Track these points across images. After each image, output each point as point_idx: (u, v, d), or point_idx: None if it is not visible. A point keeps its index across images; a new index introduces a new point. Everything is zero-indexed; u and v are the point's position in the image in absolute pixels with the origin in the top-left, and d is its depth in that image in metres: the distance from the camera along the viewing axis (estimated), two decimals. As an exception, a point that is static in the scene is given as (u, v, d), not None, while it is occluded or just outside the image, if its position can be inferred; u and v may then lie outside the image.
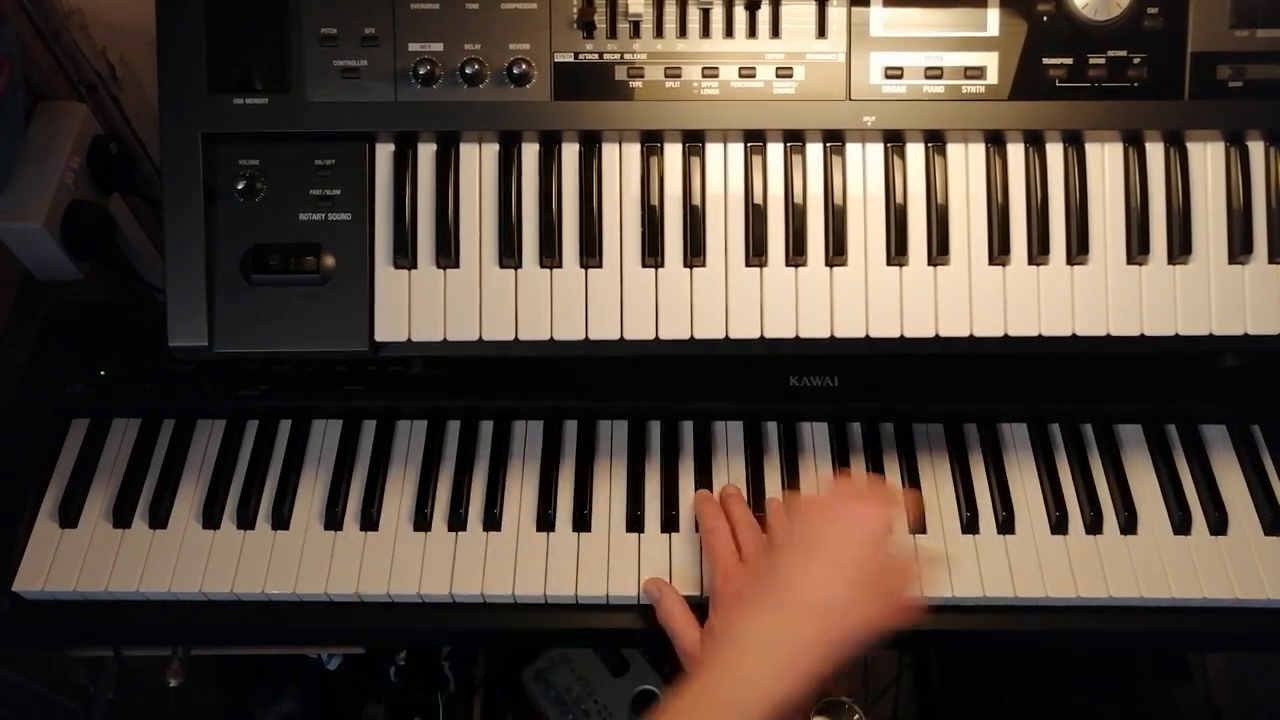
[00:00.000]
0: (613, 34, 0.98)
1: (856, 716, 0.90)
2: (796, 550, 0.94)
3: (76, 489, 1.12)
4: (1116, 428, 1.16)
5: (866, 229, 1.00)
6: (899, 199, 1.00)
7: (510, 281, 1.00)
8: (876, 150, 1.01)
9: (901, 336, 1.00)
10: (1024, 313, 1.00)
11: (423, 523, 1.10)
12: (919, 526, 1.09)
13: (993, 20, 0.98)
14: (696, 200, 1.00)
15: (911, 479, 1.12)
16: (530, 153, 1.01)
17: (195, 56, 0.97)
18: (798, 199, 1.00)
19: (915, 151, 1.01)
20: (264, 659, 1.65)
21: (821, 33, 0.98)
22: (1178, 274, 1.01)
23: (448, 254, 0.99)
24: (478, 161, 1.01)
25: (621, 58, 0.98)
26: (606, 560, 1.07)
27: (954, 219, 1.00)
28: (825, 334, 1.00)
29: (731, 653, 0.88)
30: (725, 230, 1.00)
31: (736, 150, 1.01)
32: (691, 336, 1.00)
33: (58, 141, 1.21)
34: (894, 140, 1.00)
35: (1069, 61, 0.98)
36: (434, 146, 1.00)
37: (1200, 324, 1.00)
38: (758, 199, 1.00)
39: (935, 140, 1.00)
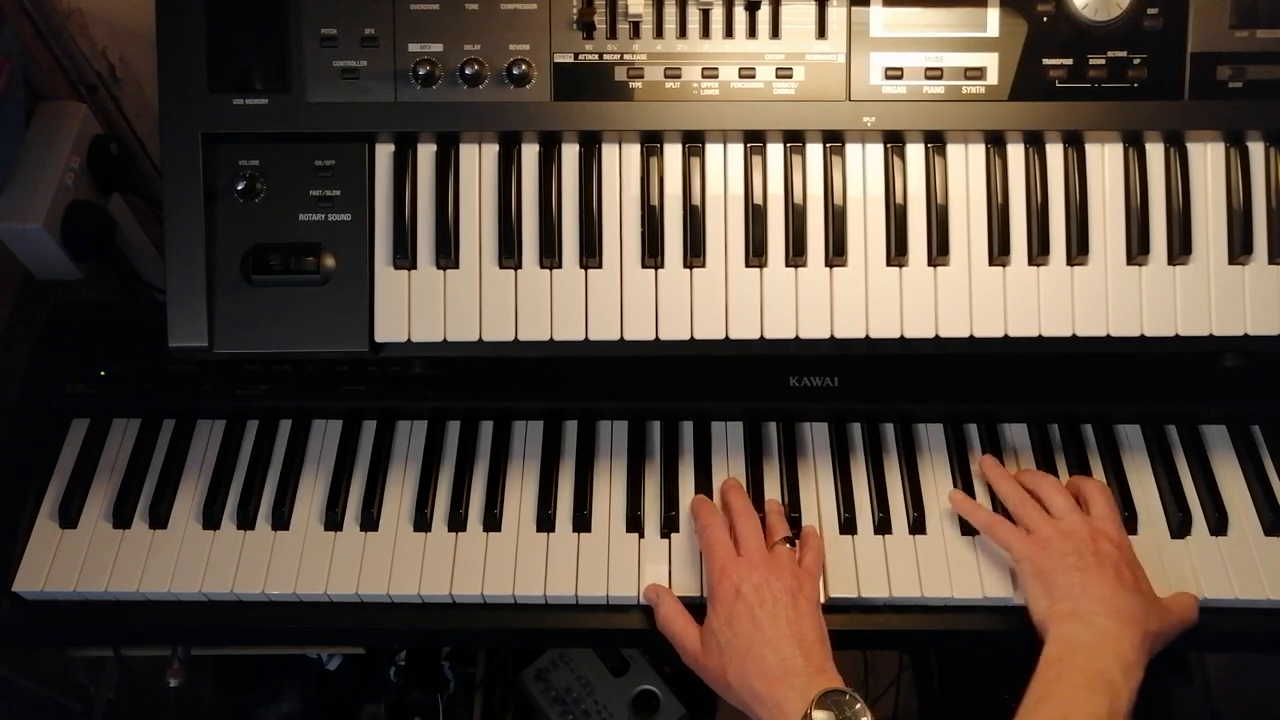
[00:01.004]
0: (612, 34, 0.98)
1: (859, 706, 0.89)
2: (1073, 567, 0.99)
3: (76, 489, 1.12)
4: (1116, 428, 1.16)
5: (866, 229, 1.00)
6: (899, 199, 1.00)
7: (510, 282, 1.00)
8: (876, 151, 1.01)
9: (901, 337, 1.00)
10: (1024, 313, 1.00)
11: (423, 523, 1.10)
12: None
13: (993, 21, 0.98)
14: (696, 201, 1.00)
15: (911, 479, 1.12)
16: (530, 153, 1.01)
17: (195, 56, 0.97)
18: (798, 199, 1.00)
19: (915, 152, 1.01)
20: (264, 659, 1.65)
21: (821, 33, 0.98)
22: (1178, 274, 1.01)
23: (448, 254, 0.99)
24: (477, 162, 1.01)
25: (621, 58, 0.98)
26: (606, 561, 1.07)
27: (954, 219, 1.00)
28: (825, 334, 1.00)
29: (1070, 662, 0.93)
30: (725, 231, 1.00)
31: (736, 151, 1.01)
32: (691, 337, 1.00)
33: (58, 141, 1.21)
34: (894, 141, 1.00)
35: (1069, 62, 0.98)
36: (434, 147, 1.00)
37: (1200, 324, 1.00)
38: (758, 199, 1.00)
39: (935, 141, 1.00)
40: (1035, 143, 1.01)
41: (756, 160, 1.00)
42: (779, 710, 0.92)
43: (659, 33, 0.98)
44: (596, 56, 0.98)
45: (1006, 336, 1.00)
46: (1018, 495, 1.07)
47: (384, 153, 1.00)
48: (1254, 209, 1.00)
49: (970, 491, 1.11)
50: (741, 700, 0.96)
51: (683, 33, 0.98)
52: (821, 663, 0.95)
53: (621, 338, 1.00)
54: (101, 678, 1.44)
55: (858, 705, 0.89)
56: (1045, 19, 0.98)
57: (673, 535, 1.09)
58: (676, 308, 1.00)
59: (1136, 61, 0.98)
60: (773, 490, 1.12)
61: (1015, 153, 1.01)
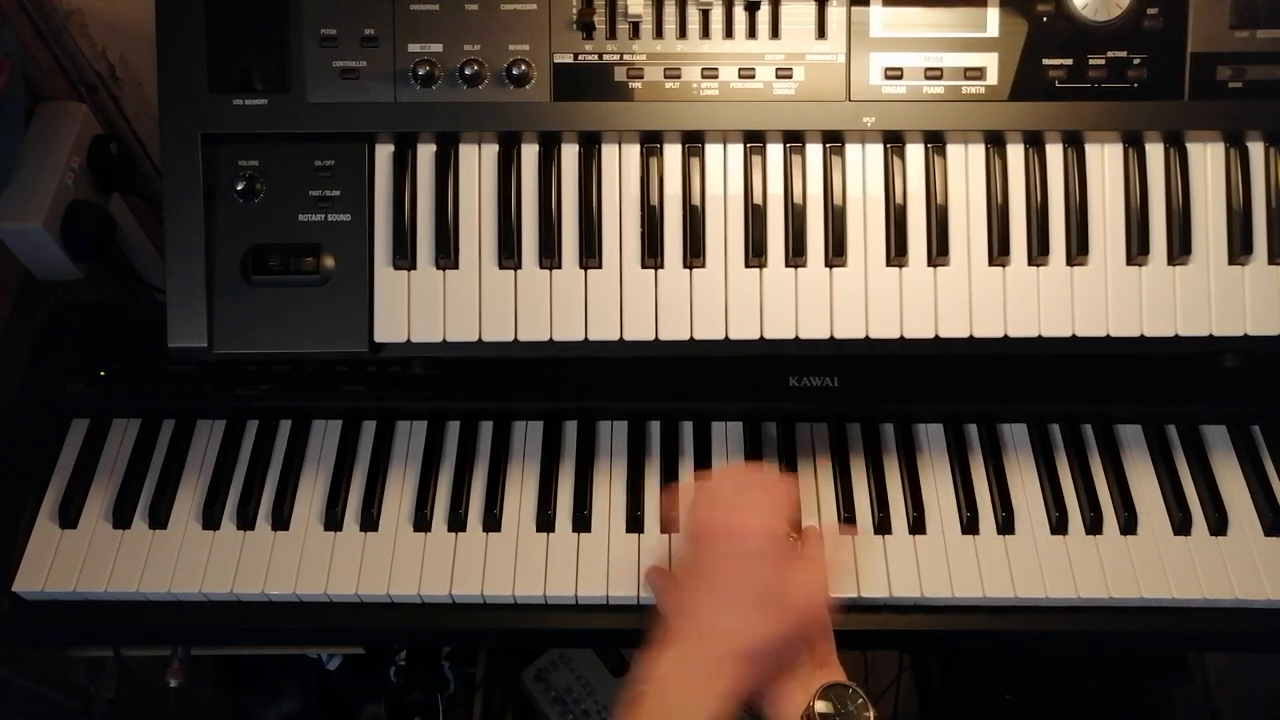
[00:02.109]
0: (612, 35, 0.98)
1: (861, 701, 0.90)
2: (693, 574, 0.95)
3: (76, 489, 1.12)
4: (1116, 428, 1.16)
5: (866, 230, 1.00)
6: (899, 200, 1.00)
7: (510, 282, 1.00)
8: (876, 151, 1.01)
9: (901, 337, 1.00)
10: (1024, 313, 1.00)
11: (422, 523, 1.10)
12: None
13: (993, 21, 0.98)
14: (696, 201, 1.00)
15: (911, 479, 1.12)
16: (530, 153, 1.01)
17: (195, 56, 0.97)
18: (797, 199, 1.00)
19: (915, 152, 1.01)
20: (264, 659, 1.65)
21: (821, 33, 0.98)
22: (1177, 274, 1.01)
23: (447, 255, 0.99)
24: (477, 162, 1.01)
25: (621, 58, 0.98)
26: (606, 561, 1.07)
27: (954, 220, 1.00)
28: (825, 334, 1.00)
29: (651, 689, 0.89)
30: (725, 231, 1.00)
31: (736, 151, 1.01)
32: (691, 337, 1.00)
33: (58, 141, 1.21)
34: (894, 141, 1.00)
35: (1069, 62, 0.98)
36: (433, 147, 1.00)
37: (1200, 324, 1.00)
38: (757, 199, 1.00)
39: (935, 141, 1.00)
40: (1035, 143, 1.01)
41: (756, 160, 1.00)
42: (782, 699, 0.92)
43: (659, 33, 0.98)
44: (596, 57, 0.98)
45: (1006, 337, 1.00)
46: None
47: (384, 153, 1.00)
48: (1254, 209, 1.00)
49: (970, 490, 1.11)
50: None
51: (682, 33, 0.98)
52: (825, 656, 0.95)
53: (621, 338, 1.00)
54: (101, 678, 1.44)
55: (860, 700, 0.90)
56: (1045, 19, 0.98)
57: (673, 535, 1.09)
58: (676, 308, 0.99)
59: (1136, 61, 0.98)
60: (773, 490, 1.12)
61: (1015, 153, 1.01)
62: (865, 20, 0.98)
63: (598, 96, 0.98)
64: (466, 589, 1.06)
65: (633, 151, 1.00)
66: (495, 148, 1.01)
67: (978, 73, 0.98)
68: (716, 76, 0.98)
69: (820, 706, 0.89)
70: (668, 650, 0.90)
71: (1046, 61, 0.98)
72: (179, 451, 1.15)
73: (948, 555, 1.08)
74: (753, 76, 0.98)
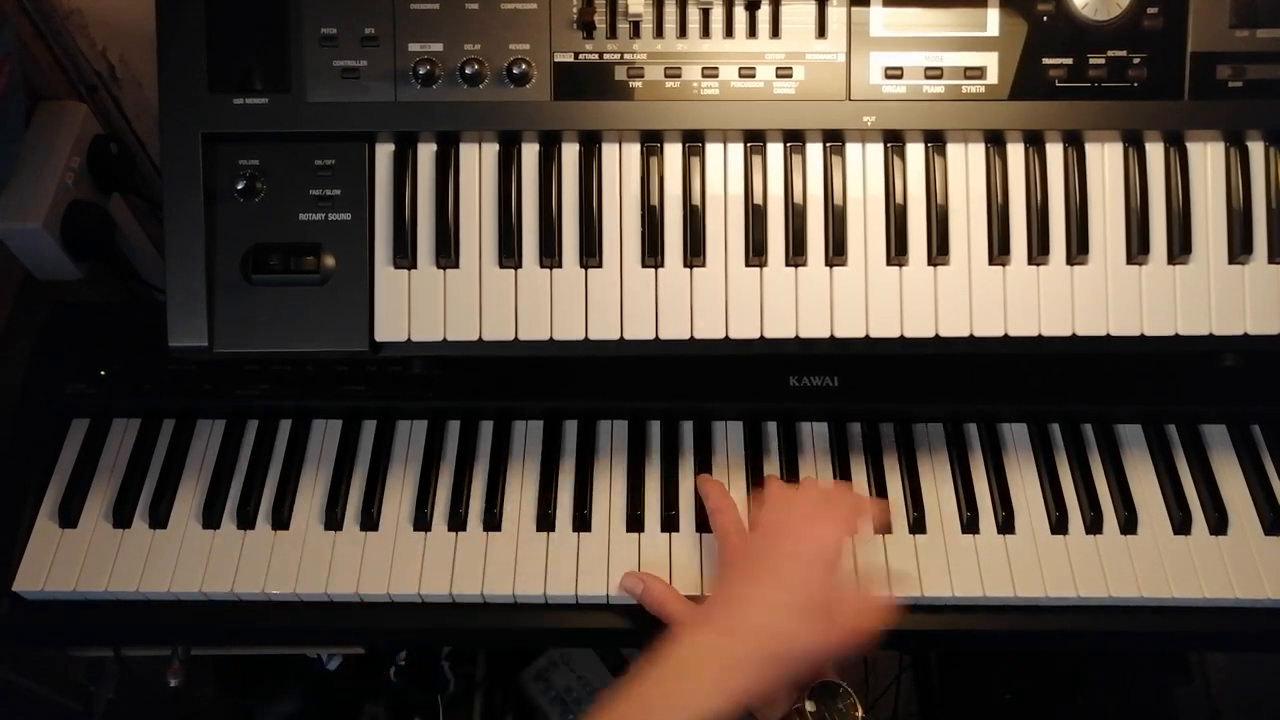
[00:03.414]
0: (612, 34, 0.98)
1: (850, 700, 0.90)
2: (750, 567, 0.95)
3: (76, 489, 1.12)
4: (1116, 428, 1.16)
5: (866, 229, 1.00)
6: (899, 199, 1.00)
7: (510, 281, 1.00)
8: (876, 150, 1.01)
9: (901, 336, 1.00)
10: (1024, 313, 1.00)
11: (423, 523, 1.10)
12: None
13: (993, 20, 0.98)
14: (696, 200, 1.00)
15: (911, 479, 1.12)
16: (530, 153, 1.01)
17: (195, 56, 0.97)
18: (798, 199, 1.00)
19: (915, 151, 1.01)
20: (264, 659, 1.65)
21: (821, 33, 0.98)
22: (1178, 274, 1.01)
23: (448, 254, 0.99)
24: (478, 161, 1.01)
25: (621, 58, 0.98)
26: (606, 560, 1.07)
27: (954, 219, 1.00)
28: (825, 334, 1.00)
29: (668, 665, 0.89)
30: (725, 230, 1.00)
31: (736, 150, 1.01)
32: (691, 337, 1.00)
33: (58, 141, 1.21)
34: (894, 140, 1.00)
35: (1069, 61, 0.98)
36: (434, 146, 1.00)
37: (1200, 324, 1.00)
38: (758, 199, 1.00)
39: (935, 140, 1.00)
40: (1035, 142, 1.01)
41: (756, 160, 1.00)
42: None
43: (659, 32, 0.98)
44: (596, 56, 0.98)
45: (1006, 336, 1.00)
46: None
47: (384, 152, 1.00)
48: (1254, 209, 1.00)
49: (970, 490, 1.11)
50: None
51: (683, 32, 0.98)
52: None
53: (621, 337, 1.00)
54: (101, 678, 1.44)
55: (850, 699, 0.90)
56: (1045, 18, 0.98)
57: (673, 534, 1.09)
58: (676, 307, 1.00)
59: (1136, 61, 0.98)
60: (773, 490, 1.12)
61: (1015, 152, 1.01)
62: (865, 20, 0.98)
63: (598, 96, 0.98)
64: (466, 589, 1.06)
65: (633, 151, 1.00)
66: (495, 147, 1.01)
67: (978, 72, 0.98)
68: (717, 76, 0.98)
69: (809, 706, 0.89)
70: (699, 632, 0.89)
71: (1046, 61, 0.98)
72: (179, 451, 1.15)
73: (948, 555, 1.08)
74: (753, 76, 0.98)
